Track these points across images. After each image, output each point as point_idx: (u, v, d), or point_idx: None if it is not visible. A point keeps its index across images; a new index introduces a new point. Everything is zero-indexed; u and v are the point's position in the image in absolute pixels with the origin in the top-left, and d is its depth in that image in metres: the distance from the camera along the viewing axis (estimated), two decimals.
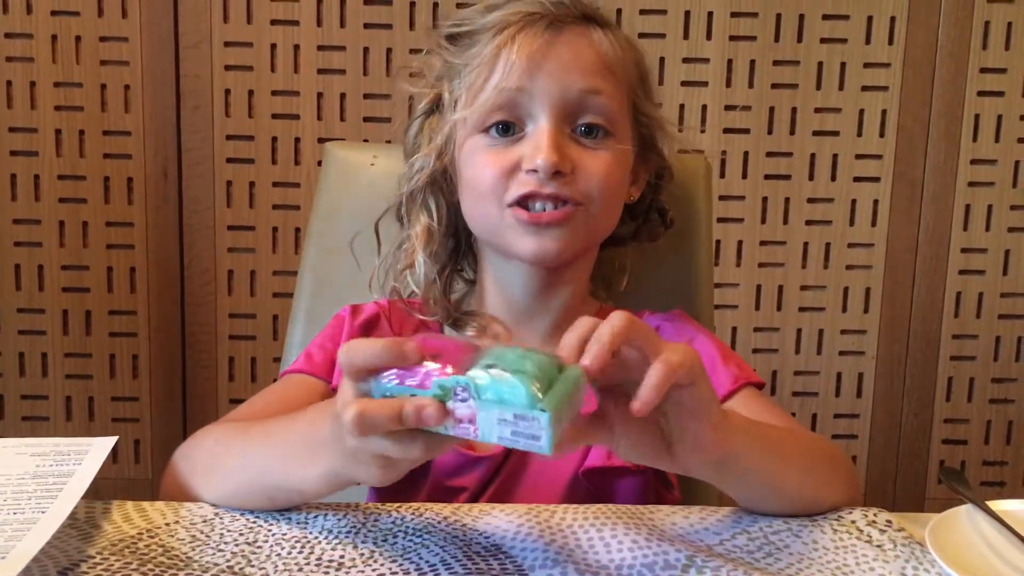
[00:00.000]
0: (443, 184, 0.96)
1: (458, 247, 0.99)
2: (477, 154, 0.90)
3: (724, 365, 0.92)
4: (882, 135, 1.92)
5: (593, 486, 0.88)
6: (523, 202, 0.89)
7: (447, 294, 0.98)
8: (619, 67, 0.91)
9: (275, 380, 0.99)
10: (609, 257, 1.02)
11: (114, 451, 0.81)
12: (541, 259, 0.90)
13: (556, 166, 0.86)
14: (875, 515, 0.77)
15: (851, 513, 0.78)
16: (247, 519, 0.75)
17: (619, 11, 1.86)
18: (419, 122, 0.97)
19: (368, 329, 0.97)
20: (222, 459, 0.78)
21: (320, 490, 0.72)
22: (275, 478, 0.74)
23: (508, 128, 0.89)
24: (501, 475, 0.90)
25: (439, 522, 0.74)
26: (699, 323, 1.01)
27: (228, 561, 0.68)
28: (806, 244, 1.95)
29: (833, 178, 1.93)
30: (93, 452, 0.78)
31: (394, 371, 0.61)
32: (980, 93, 1.91)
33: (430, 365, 0.60)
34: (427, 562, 0.68)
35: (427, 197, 0.96)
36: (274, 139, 1.89)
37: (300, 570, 0.67)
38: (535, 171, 0.87)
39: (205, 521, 0.74)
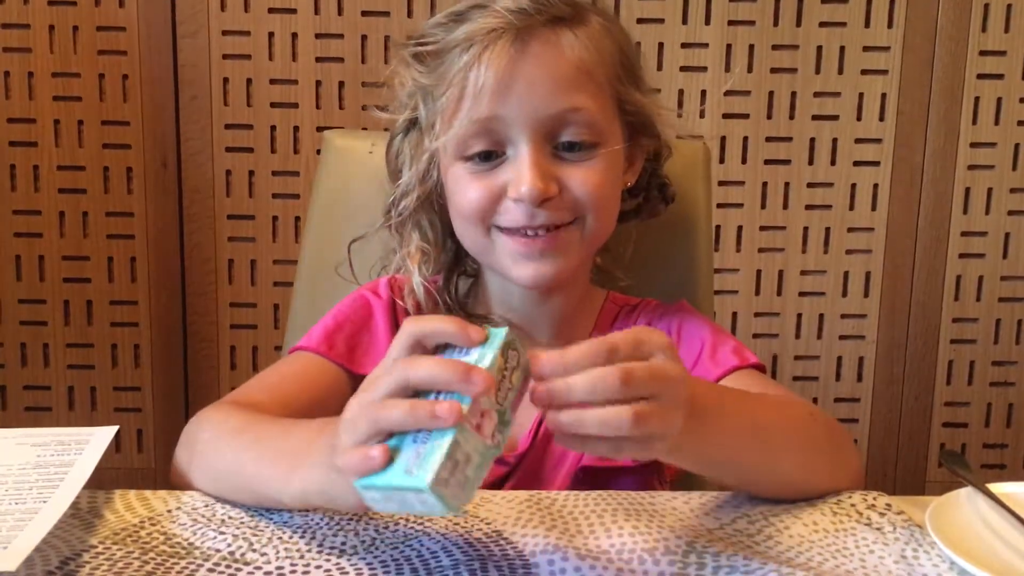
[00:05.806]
0: (434, 201, 0.94)
1: (459, 249, 0.97)
2: (461, 181, 0.89)
3: (712, 354, 0.91)
4: (882, 119, 1.91)
5: (590, 484, 0.88)
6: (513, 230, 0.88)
7: (455, 297, 0.97)
8: (597, 68, 0.88)
9: (285, 351, 0.98)
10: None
11: (117, 441, 0.82)
12: (537, 285, 0.90)
13: (542, 194, 0.85)
14: (875, 498, 0.77)
15: (851, 496, 0.78)
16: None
17: None
18: (398, 141, 0.97)
19: (393, 315, 0.96)
20: (212, 458, 0.78)
21: (298, 506, 0.73)
22: (259, 488, 0.74)
23: (489, 155, 0.87)
24: (516, 474, 0.90)
25: None
26: (700, 313, 1.00)
27: (230, 547, 0.68)
28: (806, 229, 1.95)
29: (833, 162, 1.93)
30: (94, 442, 0.78)
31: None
32: (980, 76, 1.90)
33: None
34: (428, 549, 0.68)
35: (418, 217, 0.95)
36: (273, 128, 1.89)
37: (302, 556, 0.68)
38: (521, 200, 0.85)
39: (207, 506, 0.74)
